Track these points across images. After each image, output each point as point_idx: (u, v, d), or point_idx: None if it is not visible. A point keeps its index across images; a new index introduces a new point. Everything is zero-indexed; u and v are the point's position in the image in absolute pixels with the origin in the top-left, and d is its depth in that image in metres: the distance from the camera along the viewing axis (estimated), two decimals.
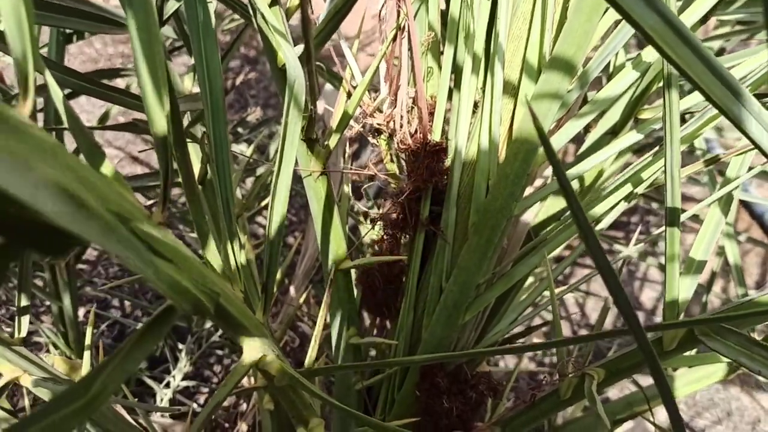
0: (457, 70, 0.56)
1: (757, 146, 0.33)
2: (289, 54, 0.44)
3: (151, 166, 1.77)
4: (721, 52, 0.98)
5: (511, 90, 0.54)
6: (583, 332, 1.59)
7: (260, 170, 1.03)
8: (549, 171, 0.73)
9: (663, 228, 0.49)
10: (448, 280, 0.59)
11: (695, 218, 1.19)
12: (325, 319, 0.63)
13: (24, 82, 0.28)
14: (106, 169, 0.35)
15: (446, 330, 0.62)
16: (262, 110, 1.97)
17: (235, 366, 0.43)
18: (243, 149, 1.22)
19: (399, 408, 0.67)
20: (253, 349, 0.44)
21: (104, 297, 1.32)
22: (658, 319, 1.61)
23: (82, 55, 2.07)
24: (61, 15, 0.64)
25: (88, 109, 1.89)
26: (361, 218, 0.71)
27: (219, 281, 0.40)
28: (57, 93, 0.36)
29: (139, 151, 1.73)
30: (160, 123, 0.34)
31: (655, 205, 1.68)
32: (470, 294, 0.59)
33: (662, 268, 1.08)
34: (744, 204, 1.80)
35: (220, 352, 1.20)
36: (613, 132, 0.63)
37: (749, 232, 1.77)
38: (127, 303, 1.31)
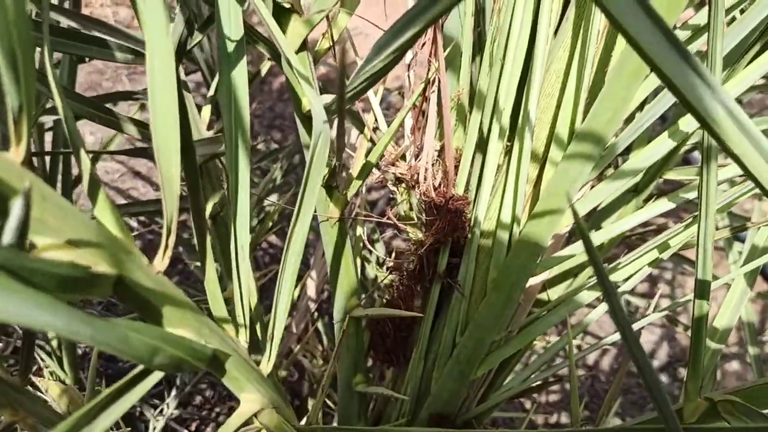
0: (485, 124, 0.55)
1: None
2: (317, 106, 0.43)
3: (153, 182, 1.76)
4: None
5: (540, 146, 0.53)
6: (580, 371, 1.57)
7: (271, 197, 1.02)
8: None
9: (686, 296, 0.48)
10: (462, 334, 0.58)
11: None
12: (329, 360, 0.62)
13: (19, 128, 0.26)
14: (105, 212, 0.33)
15: (457, 384, 0.60)
16: (268, 131, 1.97)
17: (230, 418, 0.42)
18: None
19: None
20: (250, 401, 0.43)
21: (104, 315, 1.30)
22: (657, 361, 1.60)
23: (88, 66, 2.06)
24: (75, 42, 0.63)
25: (94, 129, 1.87)
26: (374, 265, 0.70)
27: (219, 331, 0.39)
28: (69, 122, 0.34)
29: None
30: (171, 178, 0.33)
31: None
32: (484, 350, 0.58)
33: (669, 320, 1.07)
34: None
35: (214, 378, 1.19)
36: (636, 190, 0.62)
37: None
38: None
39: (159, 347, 0.30)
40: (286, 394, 1.16)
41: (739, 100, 1.02)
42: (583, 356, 0.64)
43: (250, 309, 0.48)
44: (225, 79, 0.46)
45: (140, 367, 0.33)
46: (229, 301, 0.46)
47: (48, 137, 0.89)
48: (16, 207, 0.22)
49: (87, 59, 0.89)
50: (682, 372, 1.57)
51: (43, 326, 0.20)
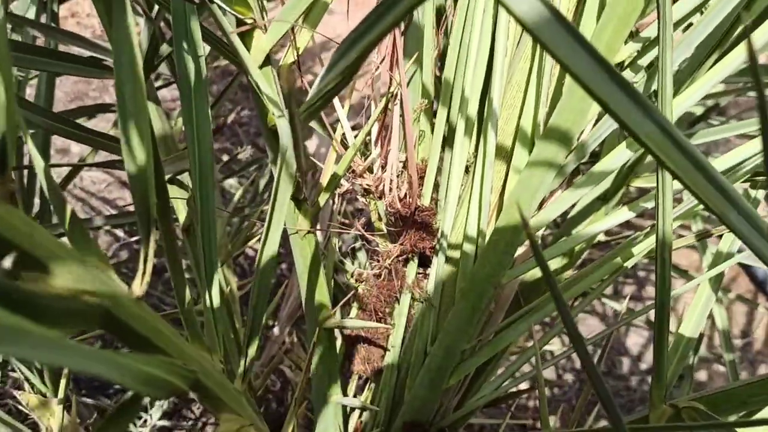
0: (449, 133, 0.55)
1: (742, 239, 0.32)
2: (281, 123, 0.43)
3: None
4: (712, 108, 0.98)
5: (504, 156, 0.53)
6: (568, 376, 1.58)
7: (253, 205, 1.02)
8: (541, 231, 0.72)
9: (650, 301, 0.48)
10: (433, 343, 0.58)
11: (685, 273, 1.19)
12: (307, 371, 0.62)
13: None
14: (83, 242, 0.34)
15: (429, 393, 0.60)
16: (254, 140, 1.97)
17: None
18: (233, 183, 1.21)
19: None
20: (229, 421, 0.43)
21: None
22: (644, 365, 1.61)
23: (74, 76, 2.06)
24: (49, 59, 0.63)
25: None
26: (348, 275, 0.70)
27: (197, 355, 0.39)
28: (38, 163, 0.35)
29: None
30: (143, 196, 0.33)
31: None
32: (455, 358, 0.58)
33: (650, 324, 1.07)
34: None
35: None
36: (604, 198, 0.63)
37: (736, 281, 1.78)
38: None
39: (153, 374, 0.31)
40: (265, 403, 1.16)
41: (717, 104, 1.03)
42: (555, 361, 0.64)
43: (224, 332, 0.48)
44: (185, 98, 0.46)
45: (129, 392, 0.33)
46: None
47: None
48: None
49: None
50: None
51: (56, 363, 0.20)
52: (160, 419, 1.05)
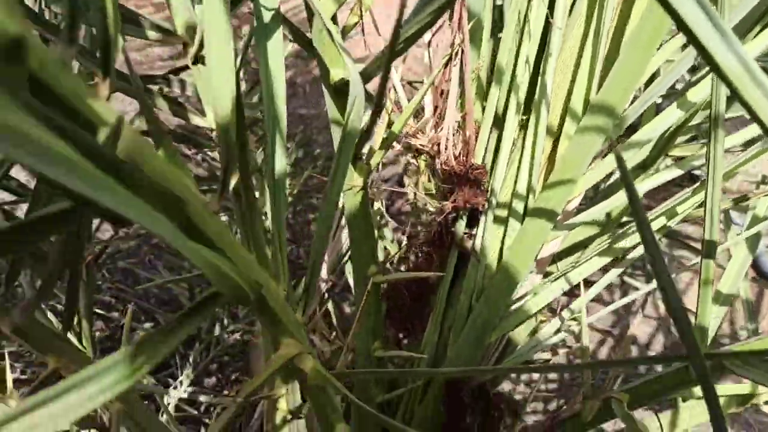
0: (500, 100, 0.58)
1: None
2: (353, 71, 0.46)
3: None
4: None
5: (555, 120, 0.56)
6: (578, 361, 1.60)
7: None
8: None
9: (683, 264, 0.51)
10: (478, 299, 0.61)
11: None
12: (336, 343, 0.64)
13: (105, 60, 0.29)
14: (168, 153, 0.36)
15: (472, 349, 0.63)
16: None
17: (272, 357, 0.44)
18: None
19: (418, 423, 0.68)
20: (290, 345, 0.45)
21: (109, 300, 1.33)
22: (652, 352, 1.64)
23: None
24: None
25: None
26: (387, 241, 0.73)
27: (263, 275, 0.42)
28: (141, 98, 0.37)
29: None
30: (225, 104, 0.36)
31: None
32: (499, 314, 0.61)
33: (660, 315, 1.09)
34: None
35: (226, 358, 1.21)
36: (644, 166, 0.66)
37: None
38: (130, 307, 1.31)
39: (227, 273, 0.33)
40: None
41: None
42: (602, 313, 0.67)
43: (285, 264, 0.51)
44: (261, 46, 0.49)
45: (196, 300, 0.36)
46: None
47: None
48: None
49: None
50: (677, 364, 1.60)
51: (160, 232, 0.23)
52: (189, 385, 1.07)
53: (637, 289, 1.72)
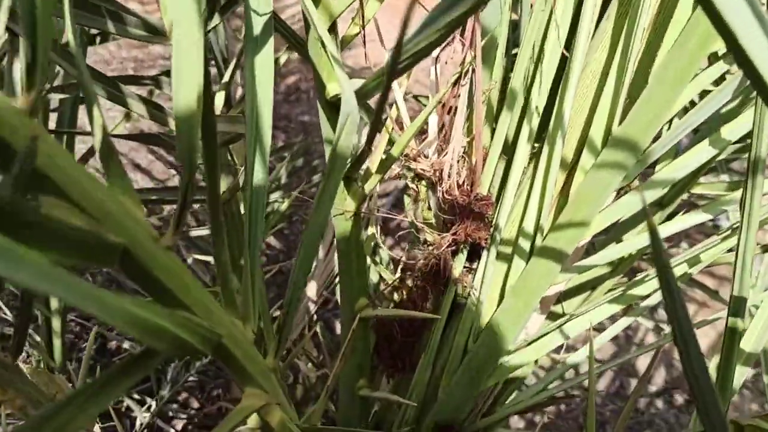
0: (512, 127, 0.53)
1: None
2: (347, 87, 0.41)
3: (153, 176, 1.73)
4: None
5: (569, 152, 0.51)
6: (576, 392, 1.55)
7: (273, 196, 0.99)
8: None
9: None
10: (475, 341, 0.56)
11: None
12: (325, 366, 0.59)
13: (31, 75, 0.24)
14: (117, 179, 0.31)
15: (466, 392, 0.58)
16: (273, 132, 1.94)
17: (232, 412, 0.39)
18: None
19: None
20: (254, 396, 0.40)
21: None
22: (653, 387, 1.58)
23: (95, 56, 2.04)
24: (93, 15, 0.61)
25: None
26: (381, 267, 0.68)
27: (226, 320, 0.37)
28: (90, 93, 0.32)
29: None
30: (188, 100, 0.31)
31: None
32: (497, 359, 0.56)
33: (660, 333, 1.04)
34: None
35: (205, 378, 1.16)
36: (661, 204, 0.60)
37: None
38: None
39: (164, 327, 0.28)
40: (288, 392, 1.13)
41: None
42: (581, 380, 0.62)
43: (260, 305, 0.46)
44: (250, 52, 0.44)
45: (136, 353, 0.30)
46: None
47: (53, 118, 0.87)
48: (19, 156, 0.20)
49: (98, 40, 0.87)
50: (679, 399, 1.55)
51: (49, 292, 0.18)
52: (165, 403, 1.02)
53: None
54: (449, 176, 0.50)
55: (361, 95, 0.43)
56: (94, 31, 0.85)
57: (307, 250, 0.44)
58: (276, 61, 0.78)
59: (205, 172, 0.41)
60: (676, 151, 0.61)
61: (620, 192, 0.59)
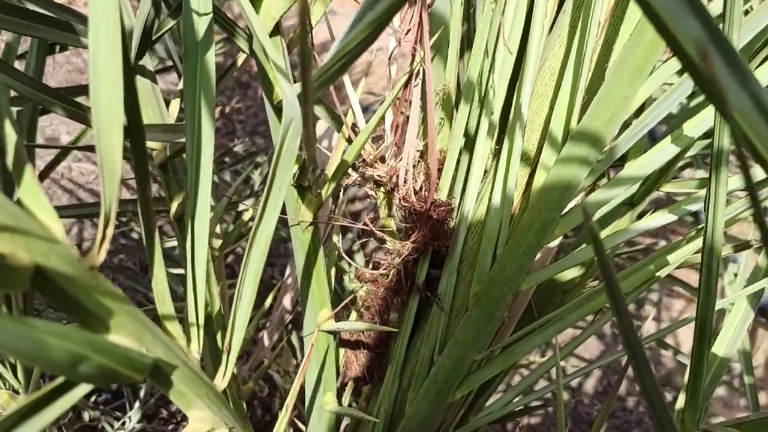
0: (470, 125, 0.50)
1: None
2: (288, 92, 0.38)
3: (129, 185, 1.70)
4: None
5: (530, 150, 0.49)
6: (563, 395, 1.53)
7: (246, 202, 0.97)
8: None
9: (673, 318, 0.43)
10: (441, 352, 0.53)
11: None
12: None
13: None
14: (31, 196, 0.28)
15: (433, 406, 0.56)
16: (250, 138, 1.92)
17: None
18: (227, 179, 1.15)
19: None
20: (199, 420, 0.38)
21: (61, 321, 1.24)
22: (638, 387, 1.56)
23: (68, 65, 2.01)
24: (38, 24, 0.58)
25: (70, 129, 1.81)
26: (349, 273, 0.65)
27: (165, 339, 0.34)
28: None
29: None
30: (109, 148, 0.28)
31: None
32: (464, 370, 0.54)
33: (658, 342, 1.02)
34: None
35: None
36: (631, 203, 0.58)
37: None
38: None
39: (83, 355, 0.26)
40: (251, 409, 1.11)
41: None
42: (569, 380, 0.60)
43: (206, 315, 0.43)
44: (190, 54, 0.41)
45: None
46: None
47: None
48: None
49: (58, 49, 0.84)
50: (668, 396, 1.53)
51: None
52: (138, 422, 0.99)
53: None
54: (405, 182, 0.48)
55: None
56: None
57: (256, 260, 0.41)
58: (234, 63, 0.75)
59: (136, 186, 0.39)
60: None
61: (589, 192, 0.57)
